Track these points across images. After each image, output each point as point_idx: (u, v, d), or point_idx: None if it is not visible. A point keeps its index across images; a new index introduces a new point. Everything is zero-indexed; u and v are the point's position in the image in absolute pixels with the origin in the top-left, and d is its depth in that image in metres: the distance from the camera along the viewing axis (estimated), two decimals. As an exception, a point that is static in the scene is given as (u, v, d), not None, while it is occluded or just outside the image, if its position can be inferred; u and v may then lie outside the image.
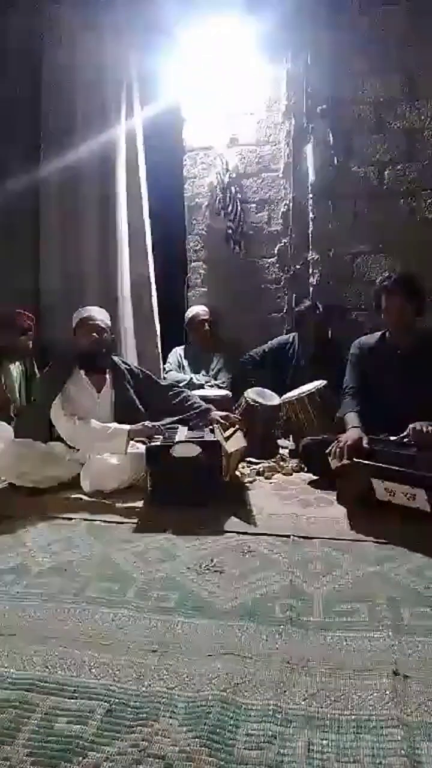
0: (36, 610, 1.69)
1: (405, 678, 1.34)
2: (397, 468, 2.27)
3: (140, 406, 2.99)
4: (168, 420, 2.98)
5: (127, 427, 2.77)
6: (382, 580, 1.84)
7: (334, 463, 2.47)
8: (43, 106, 3.98)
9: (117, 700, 1.28)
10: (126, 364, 3.14)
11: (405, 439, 2.39)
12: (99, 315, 3.03)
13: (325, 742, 1.16)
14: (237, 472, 2.94)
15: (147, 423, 2.82)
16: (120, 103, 3.91)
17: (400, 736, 1.16)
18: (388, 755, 1.12)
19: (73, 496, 2.69)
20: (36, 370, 3.38)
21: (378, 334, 2.80)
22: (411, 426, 2.40)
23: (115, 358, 3.10)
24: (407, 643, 1.48)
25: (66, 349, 3.16)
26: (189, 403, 3.05)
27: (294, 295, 4.06)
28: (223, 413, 3.04)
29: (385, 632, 1.53)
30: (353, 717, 1.23)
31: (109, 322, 3.06)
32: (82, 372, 2.96)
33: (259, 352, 3.87)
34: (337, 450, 2.44)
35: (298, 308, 3.76)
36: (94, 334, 2.95)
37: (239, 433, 2.92)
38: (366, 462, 2.37)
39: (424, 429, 2.36)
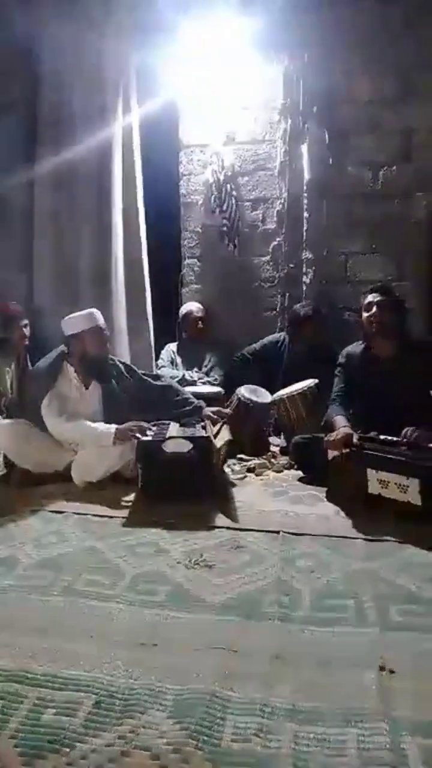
0: (26, 602, 1.69)
1: (391, 673, 1.35)
2: (395, 457, 2.29)
3: (129, 402, 2.96)
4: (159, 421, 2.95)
5: (113, 428, 2.75)
6: (370, 576, 1.85)
7: (332, 453, 2.49)
8: (40, 102, 3.96)
9: (105, 693, 1.29)
10: (112, 359, 3.09)
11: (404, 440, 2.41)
12: (103, 321, 3.01)
13: (311, 735, 1.17)
14: (224, 467, 2.95)
15: (132, 423, 2.78)
16: (117, 99, 3.90)
17: (385, 730, 1.17)
18: (374, 749, 1.13)
19: (64, 489, 2.69)
20: (29, 364, 3.36)
21: (363, 343, 2.82)
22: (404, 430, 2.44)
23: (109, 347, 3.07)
24: (394, 639, 1.50)
25: (54, 345, 3.10)
26: (180, 399, 3.04)
27: (288, 294, 4.06)
28: (214, 408, 3.05)
29: (372, 628, 1.55)
30: (339, 711, 1.24)
31: None
32: (71, 369, 2.93)
33: (251, 350, 3.88)
34: (335, 439, 2.46)
35: (302, 310, 3.72)
36: (108, 345, 2.99)
37: (225, 427, 2.92)
38: (365, 450, 2.39)
39: (411, 433, 2.39)
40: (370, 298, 2.71)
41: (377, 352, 2.73)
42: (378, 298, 2.68)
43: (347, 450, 2.44)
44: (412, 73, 3.80)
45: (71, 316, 2.97)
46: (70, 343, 2.93)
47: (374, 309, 2.67)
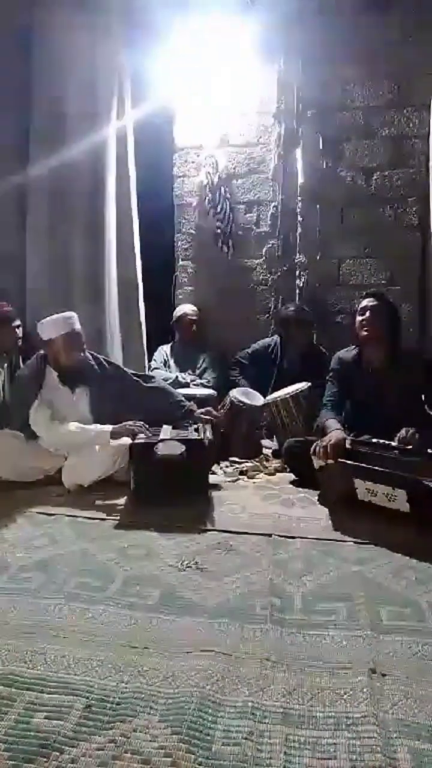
0: (16, 605, 1.68)
1: (382, 676, 1.36)
2: (379, 468, 2.30)
3: (119, 403, 2.92)
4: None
5: (109, 427, 2.74)
6: (361, 579, 1.86)
7: (317, 463, 2.50)
8: (33, 104, 3.94)
9: (96, 696, 1.28)
10: (97, 359, 3.03)
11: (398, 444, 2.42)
12: (78, 324, 2.91)
13: (302, 738, 1.17)
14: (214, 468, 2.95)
15: (128, 423, 2.78)
16: (111, 101, 3.89)
17: (376, 733, 1.17)
18: (365, 752, 1.13)
19: (55, 491, 2.68)
20: (21, 365, 3.33)
21: (355, 348, 2.83)
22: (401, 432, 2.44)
23: (88, 354, 2.98)
24: (385, 642, 1.50)
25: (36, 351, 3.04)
26: (172, 402, 3.03)
27: (281, 297, 4.08)
28: (204, 409, 3.04)
29: (364, 631, 1.55)
30: (330, 714, 1.24)
31: None
32: (54, 373, 2.88)
33: (244, 356, 3.85)
34: (320, 449, 2.46)
35: (285, 311, 3.77)
36: (83, 350, 2.88)
37: (208, 428, 2.91)
38: (349, 462, 2.39)
39: (411, 435, 2.40)
40: (363, 302, 2.73)
41: (369, 357, 2.74)
42: (371, 303, 2.70)
43: (331, 461, 2.42)
44: (405, 81, 3.83)
45: (45, 320, 2.88)
46: (47, 348, 2.88)
47: (367, 314, 2.68)
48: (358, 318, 2.72)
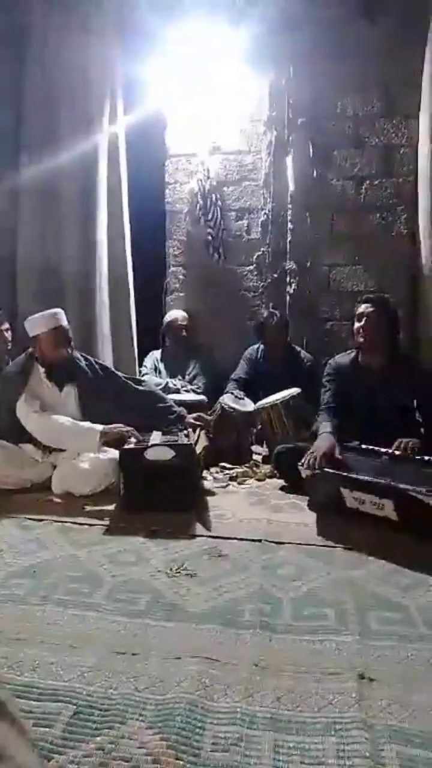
0: (4, 611, 1.67)
1: (370, 681, 1.36)
2: (365, 479, 2.30)
3: (109, 405, 2.92)
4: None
5: (100, 427, 2.74)
6: (350, 585, 1.86)
7: (304, 472, 2.50)
8: (26, 110, 3.95)
9: (84, 703, 1.27)
10: (87, 359, 3.03)
11: (396, 452, 2.42)
12: (65, 321, 2.91)
13: (291, 744, 1.17)
14: (206, 474, 2.95)
15: (121, 425, 2.78)
16: (103, 107, 3.90)
17: (364, 738, 1.18)
18: (353, 756, 1.13)
19: (44, 497, 2.67)
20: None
21: (353, 352, 2.84)
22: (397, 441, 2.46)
23: (76, 354, 2.98)
24: (373, 647, 1.51)
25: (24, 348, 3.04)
26: (162, 406, 3.03)
27: (271, 304, 4.09)
28: (195, 414, 3.05)
29: (352, 636, 1.55)
30: (319, 719, 1.24)
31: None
32: (42, 370, 2.87)
33: (241, 375, 3.76)
34: (310, 460, 2.46)
35: (259, 317, 3.77)
36: (68, 347, 2.87)
37: (202, 434, 2.93)
38: (335, 472, 2.40)
39: (405, 444, 2.42)
40: (361, 308, 2.71)
41: (366, 362, 2.74)
42: (369, 310, 2.67)
43: (318, 471, 2.43)
44: (395, 90, 3.88)
45: (33, 316, 2.89)
46: (33, 345, 2.88)
47: (364, 321, 2.67)
48: (356, 324, 2.70)
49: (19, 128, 3.96)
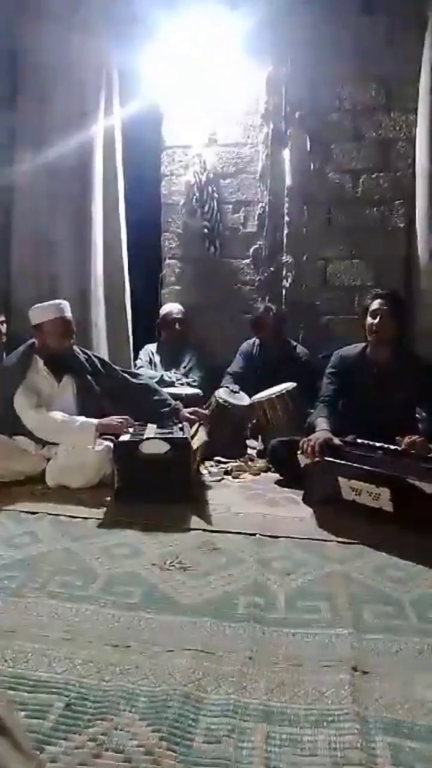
0: (-4, 603, 1.66)
1: (363, 674, 1.37)
2: (364, 467, 2.31)
3: (104, 396, 2.93)
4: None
5: (95, 421, 2.74)
6: (344, 578, 1.87)
7: (302, 460, 2.50)
8: (20, 101, 3.91)
9: (76, 695, 1.27)
10: (85, 353, 3.05)
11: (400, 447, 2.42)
12: (69, 312, 2.94)
13: (283, 735, 1.17)
14: (200, 469, 2.95)
15: (115, 418, 2.79)
16: (99, 99, 3.86)
17: (356, 729, 1.18)
18: (345, 748, 1.14)
19: (38, 489, 2.66)
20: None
21: (360, 346, 2.82)
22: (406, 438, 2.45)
23: (75, 348, 3.00)
24: (367, 640, 1.51)
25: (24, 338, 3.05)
26: (158, 399, 3.02)
27: (267, 297, 4.08)
28: (191, 409, 3.04)
29: (346, 629, 1.56)
30: (312, 711, 1.24)
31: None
32: (41, 361, 2.89)
33: (237, 369, 3.76)
34: (308, 447, 2.47)
35: (254, 311, 3.77)
36: (72, 337, 2.91)
37: (202, 429, 2.93)
38: (334, 460, 2.41)
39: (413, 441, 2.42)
40: (376, 305, 2.68)
41: (374, 357, 2.73)
42: (384, 307, 2.65)
43: (318, 459, 2.44)
44: (392, 84, 3.86)
45: (38, 305, 2.92)
46: (35, 333, 2.89)
47: (378, 318, 2.64)
48: (370, 320, 2.68)
49: (13, 122, 3.92)
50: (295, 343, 3.78)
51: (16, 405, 2.80)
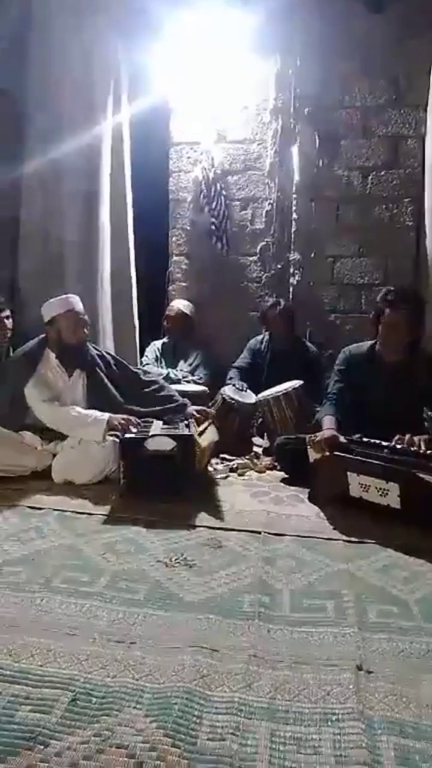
0: (2, 598, 1.67)
1: (368, 673, 1.36)
2: (375, 461, 2.31)
3: (114, 392, 2.95)
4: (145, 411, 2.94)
5: (106, 415, 2.75)
6: (349, 577, 1.86)
7: (312, 454, 2.50)
8: (29, 100, 3.90)
9: (81, 690, 1.28)
10: (97, 349, 3.11)
11: (398, 445, 2.41)
12: (81, 305, 2.99)
13: (287, 734, 1.17)
14: (209, 467, 2.94)
15: (125, 415, 2.79)
16: (107, 96, 3.85)
17: (360, 728, 1.18)
18: (349, 747, 1.13)
19: (43, 486, 2.67)
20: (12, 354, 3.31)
21: (368, 344, 2.79)
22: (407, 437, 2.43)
23: (88, 343, 3.05)
24: (372, 639, 1.51)
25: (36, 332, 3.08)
26: (165, 395, 3.03)
27: (274, 295, 4.07)
28: (199, 407, 3.04)
29: (351, 628, 1.55)
30: (316, 710, 1.24)
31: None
32: (53, 355, 2.93)
33: (244, 362, 3.78)
34: (318, 441, 2.46)
35: (264, 307, 3.77)
36: (85, 330, 2.96)
37: (212, 427, 2.93)
38: (344, 454, 2.40)
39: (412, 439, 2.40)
40: (394, 305, 2.59)
41: (387, 356, 2.70)
42: (402, 308, 2.57)
43: (328, 453, 2.44)
44: (402, 81, 3.83)
45: (50, 300, 2.97)
46: (48, 328, 2.93)
47: (396, 318, 2.57)
48: (387, 320, 2.60)
49: (22, 118, 3.92)
50: (304, 340, 3.77)
51: (28, 398, 2.82)
